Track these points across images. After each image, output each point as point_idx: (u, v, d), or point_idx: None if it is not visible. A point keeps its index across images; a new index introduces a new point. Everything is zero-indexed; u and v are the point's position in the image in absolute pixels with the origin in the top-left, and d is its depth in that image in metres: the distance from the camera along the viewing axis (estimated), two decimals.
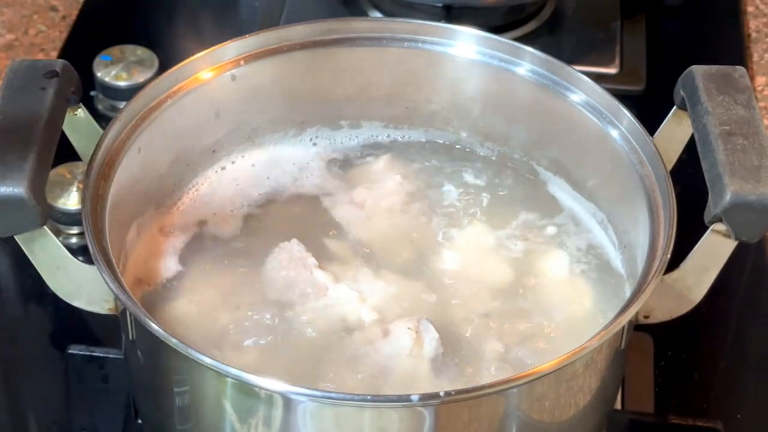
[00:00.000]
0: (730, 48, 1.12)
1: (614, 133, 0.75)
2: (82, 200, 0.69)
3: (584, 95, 0.77)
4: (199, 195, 0.81)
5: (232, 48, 0.78)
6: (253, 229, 0.79)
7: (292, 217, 0.80)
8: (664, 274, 0.67)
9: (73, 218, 0.92)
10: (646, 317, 0.71)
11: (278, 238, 0.77)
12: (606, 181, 0.78)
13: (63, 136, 0.71)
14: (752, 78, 1.09)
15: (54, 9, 1.14)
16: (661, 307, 0.70)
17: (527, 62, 0.78)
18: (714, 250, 0.68)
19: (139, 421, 0.77)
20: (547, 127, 0.79)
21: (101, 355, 0.82)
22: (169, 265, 0.76)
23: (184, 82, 0.77)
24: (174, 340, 0.62)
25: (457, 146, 0.84)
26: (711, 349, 0.89)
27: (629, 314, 0.65)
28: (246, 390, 0.63)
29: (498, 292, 0.76)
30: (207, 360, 0.62)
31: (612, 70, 1.08)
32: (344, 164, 0.83)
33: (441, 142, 0.84)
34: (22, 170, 0.64)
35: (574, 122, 0.77)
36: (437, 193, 0.82)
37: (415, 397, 0.61)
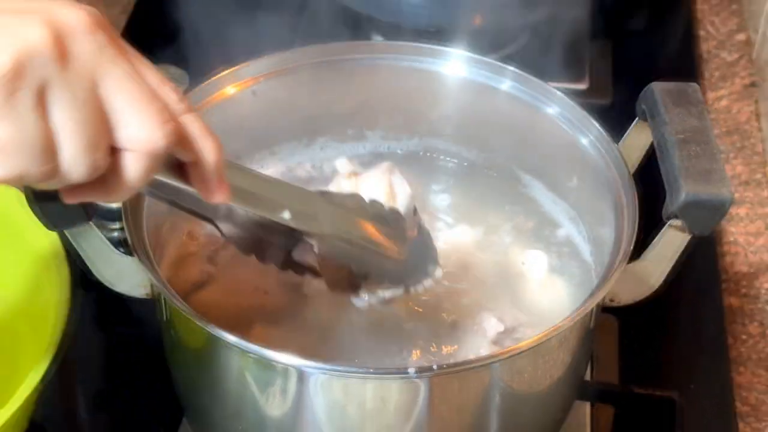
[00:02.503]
0: (685, 67, 1.12)
1: (584, 141, 0.75)
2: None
3: (558, 108, 0.77)
4: None
5: (252, 67, 0.78)
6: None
7: None
8: (628, 263, 0.68)
9: (114, 215, 0.92)
10: (612, 301, 0.71)
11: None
12: (578, 183, 0.78)
13: None
14: (704, 93, 1.09)
15: None
16: (625, 292, 0.70)
17: (509, 79, 0.79)
18: (671, 242, 0.68)
19: (173, 390, 0.77)
20: (526, 136, 0.80)
21: (140, 333, 0.82)
22: (198, 256, 0.76)
23: (211, 96, 0.77)
24: (202, 320, 0.62)
25: (447, 153, 0.84)
26: (668, 329, 0.89)
27: (597, 298, 0.65)
28: (265, 364, 0.63)
29: (484, 279, 0.76)
30: (231, 338, 0.62)
31: (582, 86, 1.08)
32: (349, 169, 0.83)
33: (433, 149, 0.84)
34: None
35: (550, 132, 0.77)
36: (430, 195, 0.82)
37: (411, 370, 0.61)
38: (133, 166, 0.50)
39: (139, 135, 0.50)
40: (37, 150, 0.47)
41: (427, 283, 0.70)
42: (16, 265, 0.78)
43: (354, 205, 0.68)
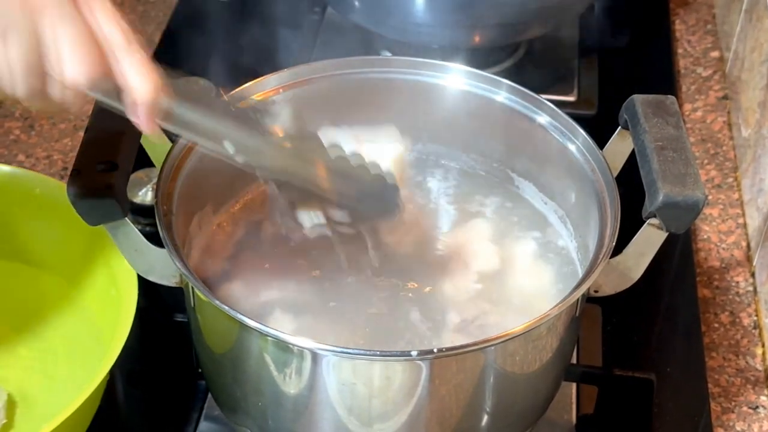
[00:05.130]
0: (664, 81, 1.12)
1: (572, 147, 0.75)
2: (155, 197, 0.69)
3: (549, 117, 0.77)
4: (251, 198, 0.80)
5: (273, 79, 0.78)
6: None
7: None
8: (610, 258, 0.67)
9: (148, 211, 0.92)
10: (596, 291, 0.70)
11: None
12: (565, 184, 0.77)
13: (140, 147, 0.71)
14: (680, 105, 1.09)
15: None
16: (607, 284, 0.70)
17: (504, 91, 0.78)
18: (649, 239, 0.68)
19: (199, 370, 0.77)
20: (519, 142, 0.79)
21: (170, 318, 0.82)
22: (224, 252, 0.76)
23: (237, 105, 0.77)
24: (225, 307, 0.62)
25: (448, 157, 0.84)
26: (647, 317, 0.89)
27: (583, 289, 0.65)
28: (282, 346, 0.63)
29: (478, 272, 0.75)
30: (252, 323, 0.62)
31: (571, 98, 1.07)
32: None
33: (436, 153, 0.84)
34: (110, 174, 0.64)
35: (541, 138, 0.77)
36: (434, 194, 0.82)
37: (414, 353, 0.61)
38: (66, 88, 0.56)
39: (70, 66, 0.55)
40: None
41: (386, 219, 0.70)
42: (92, 266, 0.78)
43: (318, 148, 0.67)
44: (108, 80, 0.57)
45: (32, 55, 0.55)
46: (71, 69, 0.55)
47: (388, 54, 1.09)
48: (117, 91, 0.58)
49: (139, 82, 0.57)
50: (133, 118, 0.59)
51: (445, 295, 0.73)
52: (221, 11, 1.15)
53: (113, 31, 0.56)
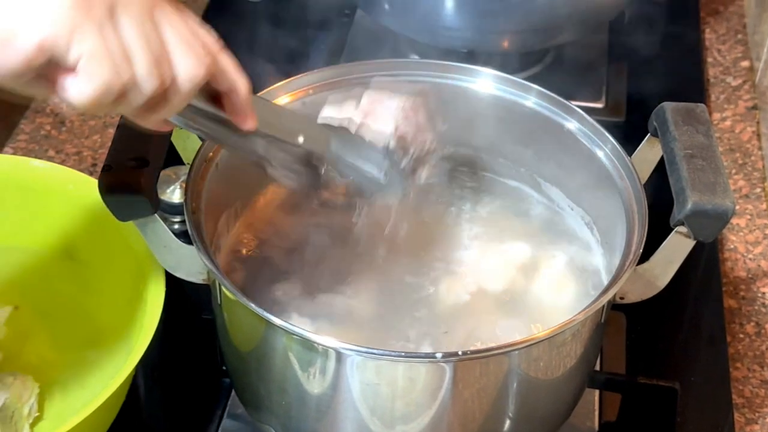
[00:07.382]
0: (693, 89, 1.11)
1: (600, 154, 0.75)
2: (184, 195, 0.70)
3: (577, 123, 0.76)
4: (278, 196, 0.80)
5: (303, 80, 0.78)
6: (314, 225, 0.78)
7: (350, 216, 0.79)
8: (637, 265, 0.67)
9: (177, 209, 0.92)
10: (621, 298, 0.70)
11: (338, 231, 0.76)
12: (593, 191, 0.77)
13: (170, 145, 0.71)
14: (710, 113, 1.08)
15: None
16: (633, 291, 0.70)
17: (533, 96, 0.78)
18: (677, 247, 0.68)
19: (224, 368, 0.78)
20: (547, 148, 0.79)
21: (196, 315, 0.82)
22: (250, 251, 0.76)
23: None
24: (252, 305, 0.63)
25: (476, 161, 0.83)
26: (672, 325, 0.89)
27: (608, 296, 0.65)
28: (308, 346, 0.63)
29: (504, 278, 0.75)
30: (278, 321, 0.62)
31: (599, 105, 1.07)
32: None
33: (464, 158, 0.83)
34: (140, 171, 0.65)
35: (569, 144, 0.77)
36: (460, 201, 0.82)
37: (438, 355, 0.61)
38: (177, 91, 0.54)
39: (185, 64, 0.53)
40: (118, 58, 0.50)
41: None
42: (121, 262, 0.79)
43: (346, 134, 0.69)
44: (208, 81, 0.56)
45: (155, 44, 0.52)
46: (187, 67, 0.53)
47: (417, 57, 1.09)
48: (211, 94, 0.58)
49: (239, 77, 0.58)
50: (235, 117, 0.59)
51: (466, 304, 0.73)
52: (251, 12, 1.16)
53: (203, 31, 0.56)
